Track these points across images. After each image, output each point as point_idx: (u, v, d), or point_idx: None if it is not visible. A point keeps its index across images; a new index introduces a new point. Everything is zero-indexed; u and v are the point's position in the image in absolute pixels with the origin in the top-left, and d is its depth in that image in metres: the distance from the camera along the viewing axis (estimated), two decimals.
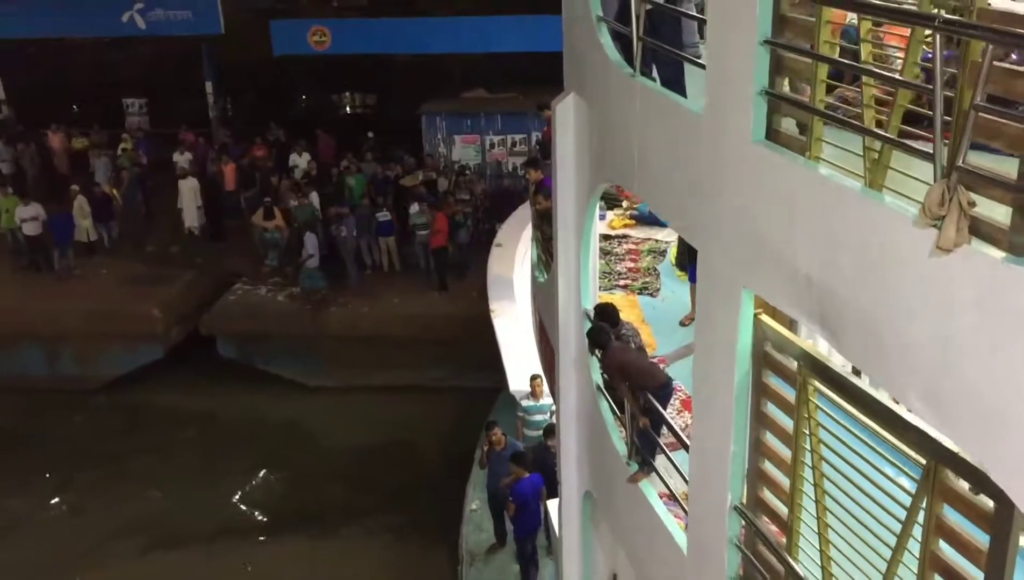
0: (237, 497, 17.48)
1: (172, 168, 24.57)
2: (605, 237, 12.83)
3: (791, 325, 6.81)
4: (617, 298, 10.93)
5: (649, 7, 6.54)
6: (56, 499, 17.40)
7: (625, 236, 13.01)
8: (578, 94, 8.05)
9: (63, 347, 20.96)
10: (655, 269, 11.93)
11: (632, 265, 12.06)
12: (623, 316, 8.43)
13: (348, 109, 36.73)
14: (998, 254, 3.78)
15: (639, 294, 11.39)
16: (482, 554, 13.44)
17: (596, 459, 8.79)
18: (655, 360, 9.55)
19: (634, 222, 13.25)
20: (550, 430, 11.74)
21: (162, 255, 23.29)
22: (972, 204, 3.95)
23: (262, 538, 16.19)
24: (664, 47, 6.49)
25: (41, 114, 28.50)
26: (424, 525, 15.62)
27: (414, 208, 21.48)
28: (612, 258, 12.28)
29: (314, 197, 22.37)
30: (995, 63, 3.78)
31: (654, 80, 6.89)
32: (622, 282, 11.57)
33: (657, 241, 12.63)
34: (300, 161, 24.86)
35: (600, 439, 8.40)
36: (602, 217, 13.54)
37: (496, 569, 13.02)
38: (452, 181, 23.48)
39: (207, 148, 26.40)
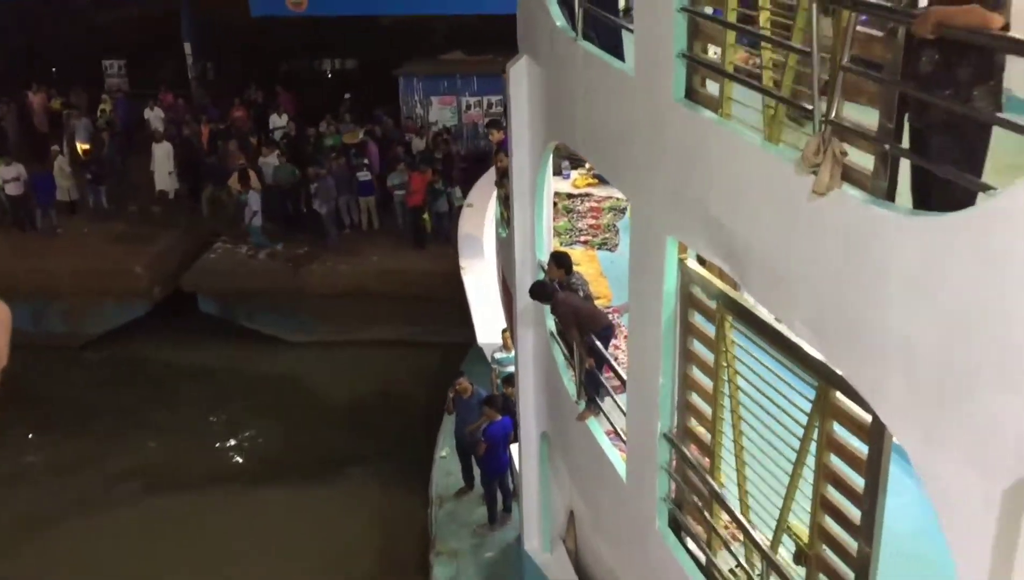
0: (226, 446, 18.13)
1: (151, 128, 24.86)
2: (568, 196, 13.37)
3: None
4: (577, 253, 11.51)
5: None
6: (50, 450, 17.99)
7: (588, 194, 13.56)
8: (530, 57, 8.56)
9: (49, 304, 21.40)
10: (615, 226, 12.49)
11: (593, 222, 12.62)
12: (584, 270, 9.01)
13: (329, 73, 36.89)
14: (862, 196, 4.35)
15: (598, 249, 11.97)
16: (451, 497, 14.12)
17: (551, 401, 9.42)
18: (612, 310, 10.17)
19: (596, 181, 13.79)
20: (509, 379, 12.35)
21: (143, 215, 23.66)
22: (844, 153, 4.53)
23: (251, 485, 16.85)
24: (601, 12, 7.00)
25: (21, 75, 28.63)
26: (404, 472, 16.28)
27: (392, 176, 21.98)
28: (575, 215, 12.84)
29: (273, 158, 22.67)
30: (860, 28, 4.34)
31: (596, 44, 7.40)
32: (583, 238, 12.13)
33: (618, 199, 13.19)
34: (280, 121, 25.20)
35: (554, 382, 9.02)
36: (566, 176, 14.07)
37: (464, 510, 13.70)
38: (429, 140, 23.90)
39: (185, 109, 26.65)
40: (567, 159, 13.64)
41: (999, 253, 3.46)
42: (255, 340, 21.32)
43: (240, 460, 17.92)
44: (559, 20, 7.67)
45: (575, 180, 13.92)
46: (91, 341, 21.52)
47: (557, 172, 12.17)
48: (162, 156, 23.41)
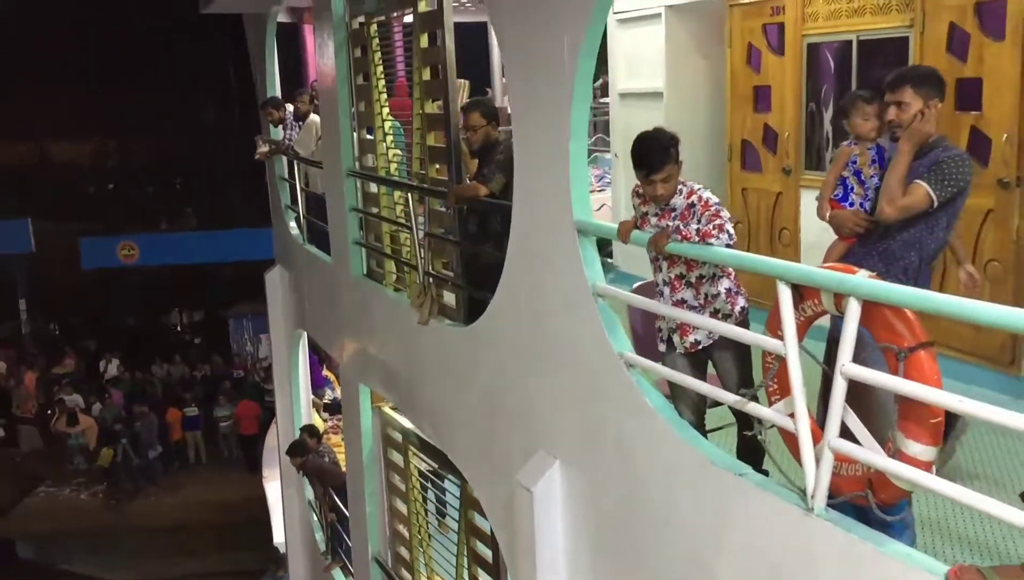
0: None
1: None
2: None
3: None
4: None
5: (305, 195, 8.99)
6: None
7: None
8: (281, 265, 10.30)
9: None
10: None
11: None
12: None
13: (179, 326, 38.06)
14: (450, 324, 6.02)
15: None
16: None
17: (312, 556, 10.46)
18: None
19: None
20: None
21: None
22: (440, 296, 6.27)
23: None
24: (313, 219, 8.85)
25: None
26: None
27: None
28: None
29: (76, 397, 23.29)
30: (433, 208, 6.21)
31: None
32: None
33: None
34: (111, 367, 26.05)
35: (311, 541, 10.13)
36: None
37: None
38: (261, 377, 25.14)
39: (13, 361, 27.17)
40: None
41: None
42: None
43: None
44: (294, 230, 9.50)
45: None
46: None
47: None
48: None
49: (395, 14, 6.67)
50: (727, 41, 7.26)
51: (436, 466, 6.98)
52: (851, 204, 3.86)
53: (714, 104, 7.67)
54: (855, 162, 3.97)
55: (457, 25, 5.81)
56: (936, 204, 3.54)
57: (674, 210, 4.01)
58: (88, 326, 30.70)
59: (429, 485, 7.34)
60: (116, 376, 25.53)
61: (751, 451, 4.04)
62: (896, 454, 3.12)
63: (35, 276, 30.21)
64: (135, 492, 22.02)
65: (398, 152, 6.99)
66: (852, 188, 3.86)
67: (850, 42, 6.21)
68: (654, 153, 3.92)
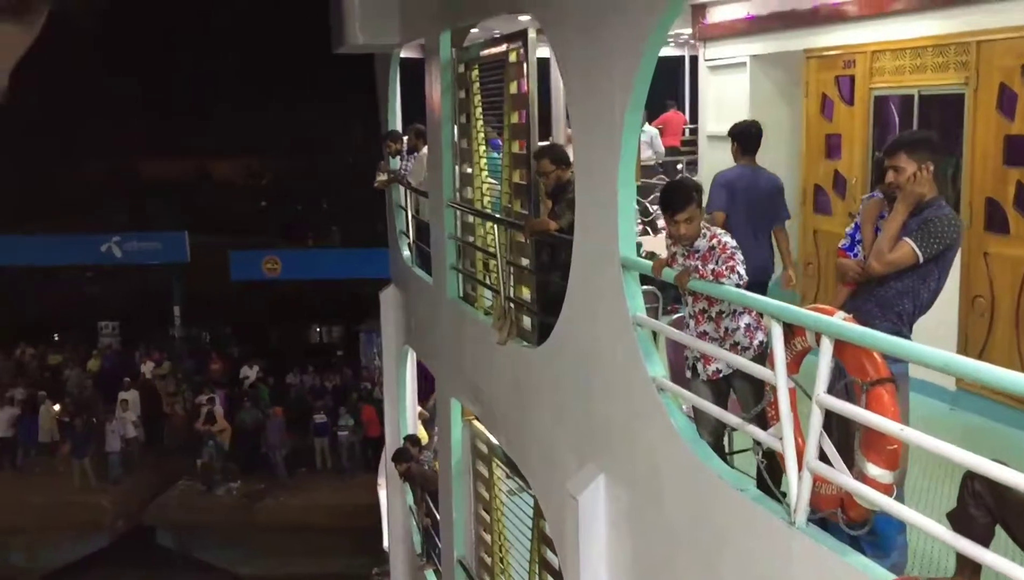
0: None
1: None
2: None
3: None
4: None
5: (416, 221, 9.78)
6: None
7: None
8: (395, 285, 11.14)
9: (14, 538, 22.87)
10: None
11: None
12: None
13: (319, 339, 40.05)
14: (524, 345, 6.62)
15: None
16: None
17: (410, 557, 11.18)
18: None
19: None
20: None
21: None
22: (519, 319, 6.87)
23: None
24: (422, 245, 9.61)
25: (18, 332, 31.56)
26: None
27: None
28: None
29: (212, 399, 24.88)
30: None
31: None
32: None
33: None
34: (250, 373, 27.82)
35: (410, 542, 10.86)
36: None
37: None
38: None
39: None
40: None
41: None
42: (207, 572, 22.60)
43: None
44: (405, 253, 10.31)
45: None
46: (49, 574, 22.76)
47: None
48: (126, 404, 25.39)
49: (493, 61, 7.35)
50: (804, 90, 7.62)
51: (515, 477, 7.55)
52: (855, 254, 4.24)
53: (791, 149, 8.01)
54: (883, 217, 4.31)
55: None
56: (922, 260, 3.90)
57: (698, 251, 4.50)
58: (235, 334, 32.82)
59: (509, 494, 7.92)
60: (253, 382, 27.24)
61: (772, 471, 4.45)
62: (860, 476, 3.52)
63: (189, 285, 32.51)
64: (263, 492, 23.50)
65: (494, 184, 7.65)
66: (860, 240, 4.24)
67: (912, 96, 6.50)
68: (678, 197, 4.44)
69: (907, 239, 3.91)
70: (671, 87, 12.40)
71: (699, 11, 8.95)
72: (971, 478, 3.08)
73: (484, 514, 8.51)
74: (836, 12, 6.91)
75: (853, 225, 4.31)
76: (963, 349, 6.27)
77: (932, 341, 3.37)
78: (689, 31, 9.37)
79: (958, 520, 3.08)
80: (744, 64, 8.19)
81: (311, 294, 34.27)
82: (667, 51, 11.27)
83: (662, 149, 11.31)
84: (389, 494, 11.69)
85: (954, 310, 6.35)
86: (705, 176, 8.97)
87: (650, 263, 4.86)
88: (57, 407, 25.29)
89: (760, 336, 4.57)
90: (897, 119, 6.74)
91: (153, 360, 28.99)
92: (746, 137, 6.23)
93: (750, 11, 8.14)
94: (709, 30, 8.91)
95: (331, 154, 50.78)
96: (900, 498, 3.87)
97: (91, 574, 22.59)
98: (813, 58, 7.56)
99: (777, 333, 3.76)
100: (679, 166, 11.19)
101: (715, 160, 8.70)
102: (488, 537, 8.43)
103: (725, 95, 8.58)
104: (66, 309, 34.47)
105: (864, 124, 7.01)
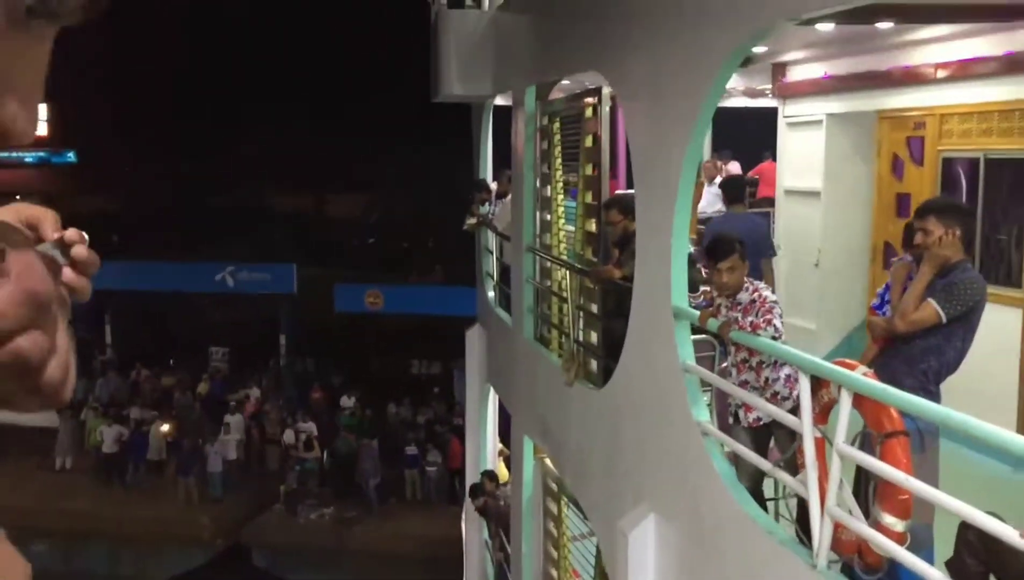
0: None
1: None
2: None
3: None
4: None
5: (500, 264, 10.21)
6: None
7: None
8: (480, 324, 11.58)
9: (124, 549, 24.12)
10: None
11: None
12: None
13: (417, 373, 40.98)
14: (591, 386, 6.93)
15: None
16: None
17: None
18: None
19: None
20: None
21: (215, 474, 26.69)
22: (587, 361, 7.19)
23: None
24: (507, 288, 10.02)
25: (137, 354, 33.31)
26: None
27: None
28: None
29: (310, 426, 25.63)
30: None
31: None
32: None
33: None
34: (348, 402, 28.73)
35: (485, 576, 11.17)
36: None
37: None
38: None
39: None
40: None
41: None
42: None
43: None
44: (490, 293, 10.75)
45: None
46: None
47: None
48: (234, 425, 26.54)
49: (573, 114, 7.76)
50: (876, 149, 7.76)
51: (580, 515, 7.82)
52: (884, 313, 4.44)
53: (864, 206, 8.12)
54: (911, 278, 4.53)
55: None
56: (944, 320, 4.08)
57: (740, 304, 4.76)
58: (337, 365, 33.92)
59: (575, 532, 8.19)
60: (351, 411, 28.10)
61: (804, 517, 4.65)
62: (875, 524, 3.72)
63: (295, 316, 33.79)
64: (355, 519, 24.17)
65: (570, 232, 8.02)
66: (889, 300, 4.44)
67: (978, 159, 6.58)
68: (721, 247, 4.73)
69: (931, 300, 4.09)
70: (770, 138, 12.61)
71: (779, 69, 9.19)
72: (966, 528, 3.26)
73: (553, 550, 8.77)
74: (908, 74, 7.05)
75: (884, 286, 4.51)
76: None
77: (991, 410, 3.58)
78: (770, 87, 9.61)
79: (955, 568, 3.25)
80: (820, 122, 8.37)
81: (412, 329, 35.20)
82: (765, 102, 11.58)
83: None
84: (468, 528, 12.06)
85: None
86: (781, 229, 9.14)
87: (698, 313, 5.14)
88: (166, 427, 26.68)
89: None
90: (964, 181, 6.83)
91: (258, 386, 30.23)
92: (733, 188, 7.75)
93: (827, 71, 8.34)
94: (788, 88, 9.14)
95: (440, 195, 51.92)
96: (930, 543, 4.04)
97: None
98: (886, 118, 7.70)
99: (805, 384, 3.99)
100: (770, 212, 11.35)
101: (791, 213, 8.88)
102: (555, 573, 8.69)
103: (802, 151, 8.76)
104: (183, 334, 36.21)
105: (932, 184, 7.11)
